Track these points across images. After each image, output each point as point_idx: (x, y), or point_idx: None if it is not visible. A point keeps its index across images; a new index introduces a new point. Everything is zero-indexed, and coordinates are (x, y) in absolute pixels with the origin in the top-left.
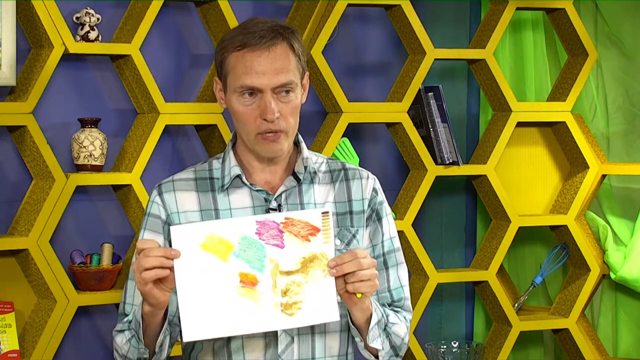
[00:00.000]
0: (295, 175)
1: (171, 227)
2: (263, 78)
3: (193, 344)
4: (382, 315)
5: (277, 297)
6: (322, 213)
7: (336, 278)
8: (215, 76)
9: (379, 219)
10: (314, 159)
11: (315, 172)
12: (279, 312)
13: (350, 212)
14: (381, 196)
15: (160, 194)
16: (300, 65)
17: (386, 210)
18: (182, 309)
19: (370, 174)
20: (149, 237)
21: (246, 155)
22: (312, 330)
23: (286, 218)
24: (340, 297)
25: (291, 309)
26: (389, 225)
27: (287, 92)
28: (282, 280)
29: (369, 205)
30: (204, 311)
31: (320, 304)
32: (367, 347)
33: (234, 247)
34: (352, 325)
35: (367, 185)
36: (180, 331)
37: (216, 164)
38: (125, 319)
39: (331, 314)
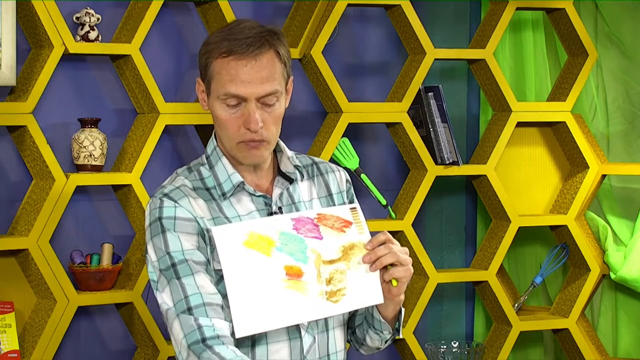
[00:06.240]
0: (283, 176)
1: (212, 228)
2: (248, 87)
3: None
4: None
5: (321, 286)
6: (351, 209)
7: (371, 266)
8: (198, 77)
9: None
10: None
11: (300, 170)
12: (324, 301)
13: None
14: (352, 186)
15: (175, 201)
16: (285, 71)
17: (355, 199)
18: (233, 305)
19: (336, 165)
20: (186, 238)
21: (231, 159)
22: (326, 327)
23: (318, 214)
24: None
25: (335, 296)
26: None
27: (272, 101)
28: (325, 269)
29: (347, 197)
30: (253, 306)
31: (364, 289)
32: (372, 338)
33: (276, 242)
34: (384, 321)
35: (342, 178)
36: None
37: (205, 171)
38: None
39: (376, 297)
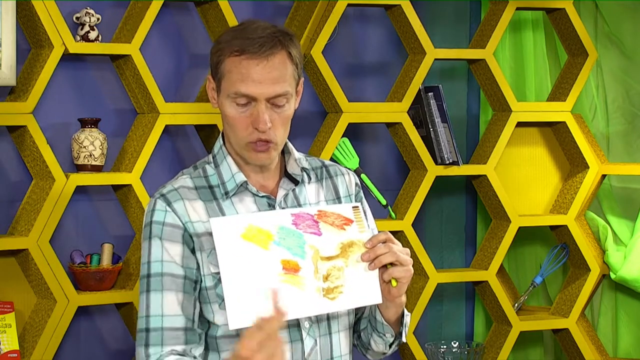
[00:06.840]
0: (290, 177)
1: (211, 219)
2: (259, 87)
3: (209, 353)
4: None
5: (318, 282)
6: (353, 207)
7: (370, 264)
8: (209, 74)
9: (364, 212)
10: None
11: (308, 172)
12: (321, 297)
13: None
14: (361, 189)
15: (169, 203)
16: (296, 73)
17: (365, 202)
18: (228, 297)
19: (346, 168)
20: (169, 247)
21: (237, 159)
22: (329, 330)
23: (319, 210)
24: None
25: (332, 293)
26: (371, 217)
27: (281, 102)
28: (323, 265)
29: (355, 200)
30: (248, 299)
31: (362, 287)
32: (376, 342)
33: (274, 236)
34: (386, 323)
35: (351, 181)
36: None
37: (210, 170)
38: None
39: (374, 296)
